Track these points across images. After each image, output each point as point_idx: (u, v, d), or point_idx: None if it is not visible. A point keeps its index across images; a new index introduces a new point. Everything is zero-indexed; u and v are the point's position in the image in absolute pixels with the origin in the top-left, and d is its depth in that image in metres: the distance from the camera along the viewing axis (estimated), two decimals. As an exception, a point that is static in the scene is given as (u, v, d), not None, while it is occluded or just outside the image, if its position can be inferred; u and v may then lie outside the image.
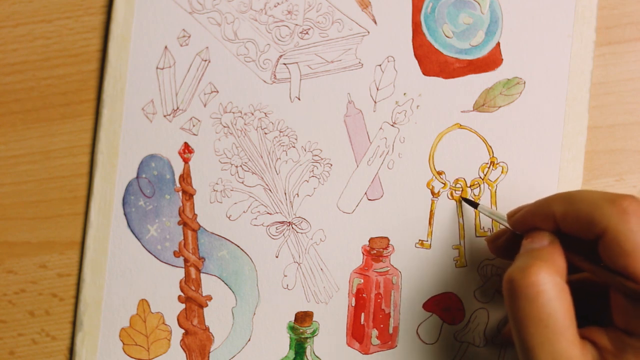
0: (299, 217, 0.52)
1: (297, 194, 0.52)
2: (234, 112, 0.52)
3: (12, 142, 0.53)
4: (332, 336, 0.51)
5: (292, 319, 0.51)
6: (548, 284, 0.38)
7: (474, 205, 0.50)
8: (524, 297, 0.39)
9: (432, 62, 0.52)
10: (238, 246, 0.52)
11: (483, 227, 0.51)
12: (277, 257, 0.52)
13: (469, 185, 0.51)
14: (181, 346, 0.52)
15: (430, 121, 0.51)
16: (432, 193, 0.51)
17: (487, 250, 0.51)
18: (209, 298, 0.52)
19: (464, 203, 0.51)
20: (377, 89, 0.52)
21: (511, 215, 0.45)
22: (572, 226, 0.41)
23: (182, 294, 0.52)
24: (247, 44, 0.52)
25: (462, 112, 0.51)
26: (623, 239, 0.38)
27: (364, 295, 0.51)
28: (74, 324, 0.52)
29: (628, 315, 0.40)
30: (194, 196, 0.52)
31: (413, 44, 0.52)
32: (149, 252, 0.52)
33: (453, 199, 0.51)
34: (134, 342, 0.52)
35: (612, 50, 0.52)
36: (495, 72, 0.51)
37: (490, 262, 0.51)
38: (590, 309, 0.43)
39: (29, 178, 0.53)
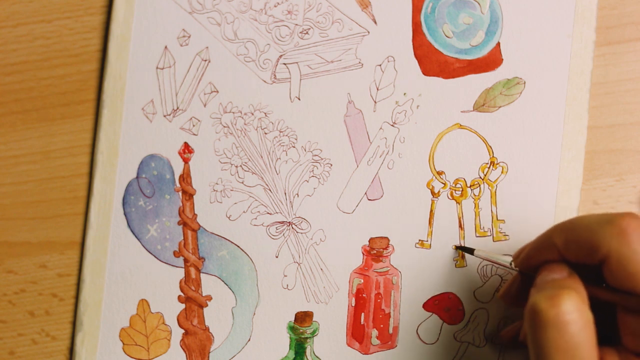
0: (299, 217, 0.52)
1: (297, 194, 0.52)
2: (234, 112, 0.52)
3: (12, 142, 0.53)
4: (332, 336, 0.51)
5: (292, 319, 0.51)
6: (576, 312, 0.37)
7: (470, 251, 0.50)
8: (552, 326, 0.37)
9: (432, 62, 0.52)
10: (238, 246, 0.52)
11: (483, 227, 0.51)
12: (277, 257, 0.52)
13: (469, 185, 0.51)
14: (181, 346, 0.52)
15: (430, 121, 0.51)
16: (432, 193, 0.51)
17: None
18: (209, 298, 0.52)
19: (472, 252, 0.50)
20: (377, 89, 0.52)
21: (516, 257, 0.44)
22: (575, 254, 0.40)
23: (182, 294, 0.52)
24: (247, 44, 0.52)
25: (462, 112, 0.51)
26: (626, 262, 0.37)
27: (364, 295, 0.51)
28: (74, 324, 0.52)
29: (637, 337, 0.39)
30: (194, 196, 0.52)
31: (413, 44, 0.52)
32: (149, 252, 0.52)
33: (453, 199, 0.51)
34: (134, 342, 0.52)
35: (612, 50, 0.52)
36: (495, 72, 0.51)
37: (490, 262, 0.51)
38: (599, 327, 0.43)
39: (29, 178, 0.53)
